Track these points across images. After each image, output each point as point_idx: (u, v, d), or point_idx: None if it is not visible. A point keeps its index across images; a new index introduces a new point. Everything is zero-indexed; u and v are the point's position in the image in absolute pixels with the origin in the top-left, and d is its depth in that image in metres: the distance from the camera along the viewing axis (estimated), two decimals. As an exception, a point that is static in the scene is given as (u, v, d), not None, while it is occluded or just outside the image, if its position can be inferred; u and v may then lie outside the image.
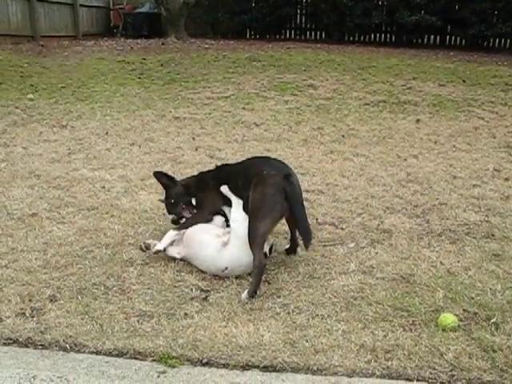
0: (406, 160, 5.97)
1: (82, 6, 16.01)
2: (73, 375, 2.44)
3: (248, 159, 3.81)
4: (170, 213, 3.84)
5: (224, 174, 3.64)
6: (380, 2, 15.56)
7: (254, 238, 3.15)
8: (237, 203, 3.41)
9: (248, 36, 17.03)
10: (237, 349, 2.61)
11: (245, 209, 3.32)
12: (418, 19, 14.43)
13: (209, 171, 3.84)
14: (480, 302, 3.04)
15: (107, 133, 6.78)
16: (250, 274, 3.26)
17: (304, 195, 4.71)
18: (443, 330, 2.76)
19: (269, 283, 3.26)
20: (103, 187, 4.89)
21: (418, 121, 7.80)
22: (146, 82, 9.73)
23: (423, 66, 11.29)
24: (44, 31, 13.92)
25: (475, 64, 11.95)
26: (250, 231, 3.16)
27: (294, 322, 2.85)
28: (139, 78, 9.99)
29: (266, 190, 3.19)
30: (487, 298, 3.08)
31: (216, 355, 2.58)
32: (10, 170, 5.28)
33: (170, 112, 7.88)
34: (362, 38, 16.40)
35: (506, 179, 5.35)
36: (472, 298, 3.08)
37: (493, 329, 2.79)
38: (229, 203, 3.48)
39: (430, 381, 2.43)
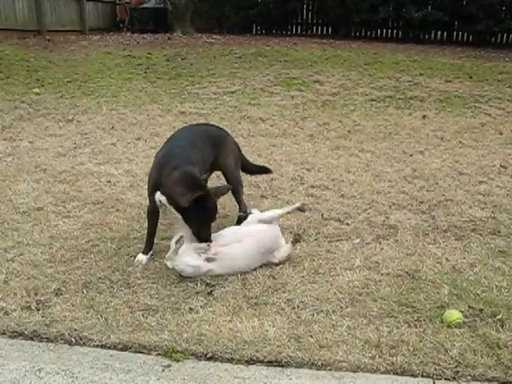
0: (411, 156, 5.95)
1: (88, 0, 15.99)
2: (78, 368, 2.45)
3: (194, 131, 4.04)
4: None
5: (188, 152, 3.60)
6: (387, -3, 15.47)
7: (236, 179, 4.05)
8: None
9: (254, 31, 16.98)
10: (241, 343, 2.61)
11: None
12: (425, 15, 14.34)
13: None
14: (485, 298, 3.03)
15: (113, 127, 6.79)
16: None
17: (310, 191, 4.80)
18: (448, 327, 2.76)
19: (274, 278, 3.26)
20: (109, 181, 4.91)
21: (424, 117, 7.77)
22: (152, 76, 9.73)
23: (430, 62, 11.22)
24: (50, 26, 13.90)
25: (482, 60, 11.87)
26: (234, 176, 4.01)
27: (298, 317, 2.85)
28: (145, 72, 9.99)
29: (235, 148, 4.10)
30: (493, 295, 3.07)
31: (221, 350, 2.58)
32: (16, 164, 5.30)
33: (176, 107, 7.89)
34: (368, 33, 16.31)
35: (513, 176, 5.31)
36: (477, 295, 3.07)
37: (498, 325, 2.78)
38: None
39: (434, 377, 2.43)
